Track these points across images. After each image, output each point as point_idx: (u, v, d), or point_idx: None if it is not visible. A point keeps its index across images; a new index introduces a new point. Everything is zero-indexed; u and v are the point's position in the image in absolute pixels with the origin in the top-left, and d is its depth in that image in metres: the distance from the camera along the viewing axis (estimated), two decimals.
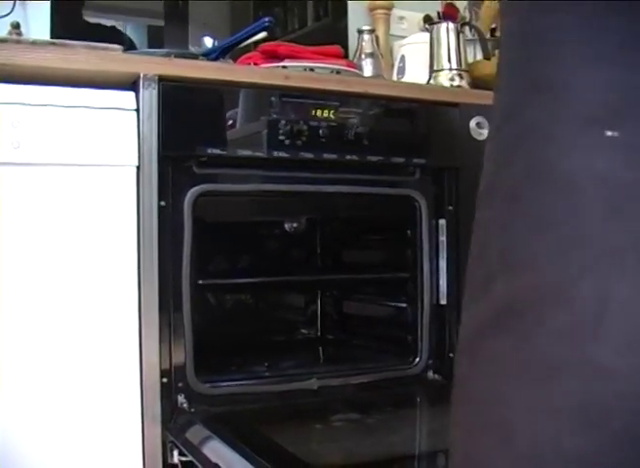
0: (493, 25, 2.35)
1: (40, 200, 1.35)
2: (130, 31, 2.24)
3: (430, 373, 1.71)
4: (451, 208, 1.73)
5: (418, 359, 1.71)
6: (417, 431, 1.52)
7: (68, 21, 2.06)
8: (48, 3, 2.01)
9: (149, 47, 2.18)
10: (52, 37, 1.96)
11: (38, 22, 2.00)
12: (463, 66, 1.99)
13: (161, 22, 2.24)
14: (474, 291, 0.60)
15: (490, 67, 1.93)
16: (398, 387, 1.67)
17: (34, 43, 1.36)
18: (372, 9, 2.44)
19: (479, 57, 2.12)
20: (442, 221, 1.73)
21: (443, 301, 1.73)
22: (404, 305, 1.79)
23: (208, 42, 2.22)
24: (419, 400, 1.72)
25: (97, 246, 1.39)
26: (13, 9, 1.96)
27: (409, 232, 1.73)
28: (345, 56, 2.10)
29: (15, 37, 1.68)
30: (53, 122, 1.35)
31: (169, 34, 2.23)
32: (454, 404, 0.62)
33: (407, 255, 1.75)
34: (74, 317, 1.37)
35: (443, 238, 1.73)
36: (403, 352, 1.75)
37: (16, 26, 1.81)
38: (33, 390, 1.35)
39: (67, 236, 1.37)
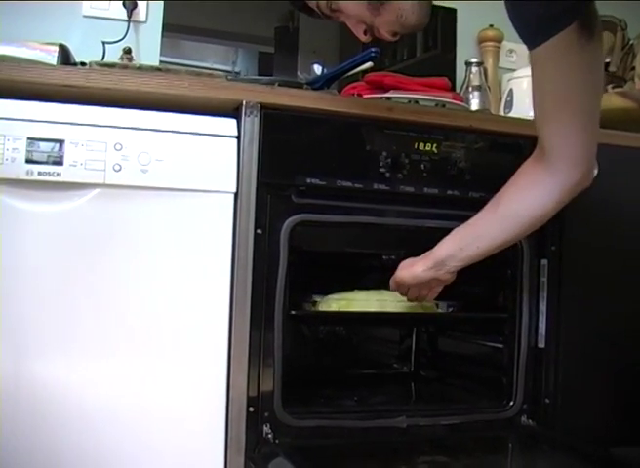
0: (607, 60, 2.29)
1: (137, 222, 1.37)
2: (241, 57, 2.27)
3: (524, 419, 1.65)
4: (554, 248, 1.67)
5: (512, 402, 1.65)
6: None
7: (176, 46, 2.11)
8: (159, 28, 2.06)
9: (259, 73, 2.21)
10: (161, 62, 2.00)
11: (149, 47, 2.05)
12: None
13: (272, 49, 2.26)
14: None
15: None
16: (489, 431, 1.62)
17: (140, 68, 1.38)
18: (481, 41, 2.41)
19: None
20: (544, 261, 1.68)
21: (541, 344, 1.67)
22: (501, 346, 1.73)
23: (317, 70, 2.23)
24: (510, 446, 1.66)
25: (191, 271, 1.40)
26: (126, 34, 2.01)
27: (509, 271, 1.68)
28: (453, 88, 2.07)
29: (123, 62, 1.72)
30: (154, 146, 1.37)
31: (279, 61, 2.25)
32: None
33: (506, 295, 1.70)
34: (165, 337, 1.38)
35: (544, 279, 1.68)
36: (497, 394, 1.70)
37: (127, 51, 1.86)
38: (120, 409, 1.36)
39: (162, 260, 1.38)
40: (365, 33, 1.35)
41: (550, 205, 1.40)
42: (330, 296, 1.70)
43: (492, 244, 1.45)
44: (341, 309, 1.68)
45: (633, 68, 2.19)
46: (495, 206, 1.44)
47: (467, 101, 2.10)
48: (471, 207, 1.53)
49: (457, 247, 1.47)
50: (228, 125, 1.43)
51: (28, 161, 1.30)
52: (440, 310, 1.74)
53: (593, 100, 1.33)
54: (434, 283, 1.53)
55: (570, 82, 1.27)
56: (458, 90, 2.19)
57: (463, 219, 1.48)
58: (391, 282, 1.58)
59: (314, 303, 1.70)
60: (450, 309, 1.75)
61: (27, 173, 1.30)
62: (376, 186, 1.53)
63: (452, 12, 2.44)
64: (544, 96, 1.32)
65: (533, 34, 1.22)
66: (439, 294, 1.59)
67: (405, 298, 1.60)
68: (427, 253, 1.50)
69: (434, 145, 1.58)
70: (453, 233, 1.48)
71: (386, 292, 1.65)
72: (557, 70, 1.25)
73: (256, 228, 1.44)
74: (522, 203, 1.42)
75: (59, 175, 1.31)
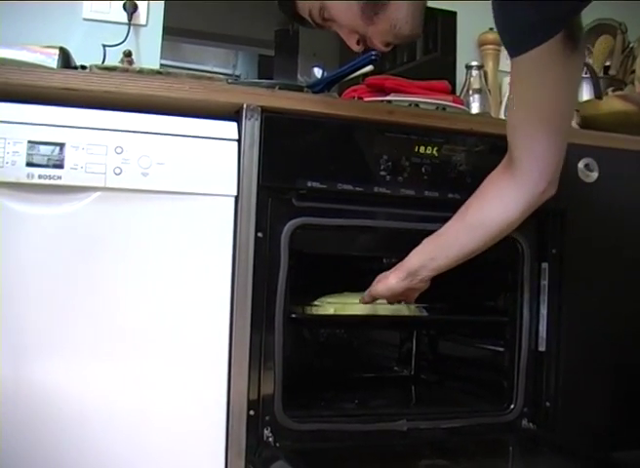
0: (607, 63, 2.29)
1: (137, 226, 1.37)
2: (241, 60, 2.27)
3: (524, 422, 1.65)
4: (555, 251, 1.67)
5: (512, 406, 1.65)
6: None
7: (177, 49, 2.11)
8: (160, 31, 2.06)
9: (260, 76, 2.21)
10: (161, 65, 2.01)
11: (150, 50, 2.06)
12: None
13: (272, 52, 2.26)
14: None
15: (601, 107, 1.87)
16: (489, 434, 1.61)
17: (141, 71, 1.38)
18: (481, 44, 2.41)
19: (590, 95, 2.05)
20: (544, 265, 1.67)
21: (542, 348, 1.67)
22: (501, 349, 1.73)
23: (317, 73, 2.23)
24: (511, 449, 1.66)
25: (191, 274, 1.39)
26: (126, 37, 2.02)
27: (510, 275, 1.68)
28: (453, 91, 2.07)
29: (124, 66, 1.72)
30: (155, 150, 1.36)
31: (279, 64, 2.25)
32: None
33: (506, 299, 1.70)
34: (166, 340, 1.38)
35: (545, 282, 1.67)
36: (497, 398, 1.70)
37: (127, 55, 1.86)
38: (120, 413, 1.36)
39: (162, 263, 1.38)
40: (358, 43, 1.35)
41: (517, 213, 1.42)
42: (324, 299, 1.71)
43: (461, 252, 1.46)
44: (337, 312, 1.68)
45: (633, 71, 2.19)
46: (463, 215, 1.45)
47: (468, 105, 2.10)
48: None
49: (427, 257, 1.48)
50: (229, 128, 1.43)
51: (29, 164, 1.30)
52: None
53: (567, 112, 1.35)
54: (409, 292, 1.54)
55: (548, 93, 1.27)
56: (458, 93, 2.19)
57: None
58: (366, 295, 1.58)
59: (313, 307, 1.70)
60: (424, 312, 1.76)
61: (28, 176, 1.30)
62: (376, 189, 1.53)
63: (452, 15, 2.44)
64: (521, 104, 1.32)
65: (520, 41, 1.21)
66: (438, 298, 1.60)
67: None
68: (399, 265, 1.51)
69: (435, 148, 1.57)
70: (423, 243, 1.49)
71: None
72: (538, 80, 1.25)
73: (256, 231, 1.44)
74: (489, 212, 1.43)
75: (59, 178, 1.31)
